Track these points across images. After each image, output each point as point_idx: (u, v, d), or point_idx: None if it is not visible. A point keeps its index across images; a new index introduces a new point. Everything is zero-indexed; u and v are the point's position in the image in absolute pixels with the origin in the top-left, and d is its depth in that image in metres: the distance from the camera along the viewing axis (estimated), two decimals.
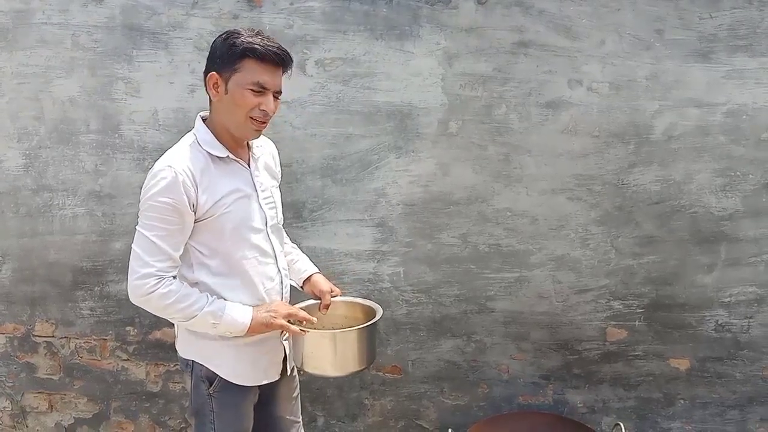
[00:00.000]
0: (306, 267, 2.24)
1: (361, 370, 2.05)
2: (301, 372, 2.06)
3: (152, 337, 3.01)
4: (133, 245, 1.85)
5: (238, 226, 1.91)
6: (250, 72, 1.81)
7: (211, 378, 1.96)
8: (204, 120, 1.95)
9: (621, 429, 2.38)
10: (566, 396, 2.83)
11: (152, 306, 1.84)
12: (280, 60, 1.83)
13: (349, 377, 2.27)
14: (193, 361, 1.98)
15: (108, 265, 2.95)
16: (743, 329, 2.69)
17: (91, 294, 2.99)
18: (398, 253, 2.83)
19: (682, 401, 2.77)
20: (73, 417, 3.10)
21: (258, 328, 1.90)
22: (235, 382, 1.96)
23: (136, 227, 1.87)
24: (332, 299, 2.14)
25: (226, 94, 1.84)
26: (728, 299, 2.67)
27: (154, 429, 3.09)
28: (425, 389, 2.92)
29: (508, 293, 2.80)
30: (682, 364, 2.75)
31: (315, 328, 1.99)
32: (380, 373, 2.96)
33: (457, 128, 2.70)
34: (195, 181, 1.83)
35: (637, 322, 2.74)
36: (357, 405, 2.98)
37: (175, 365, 3.02)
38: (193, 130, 1.94)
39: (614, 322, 2.76)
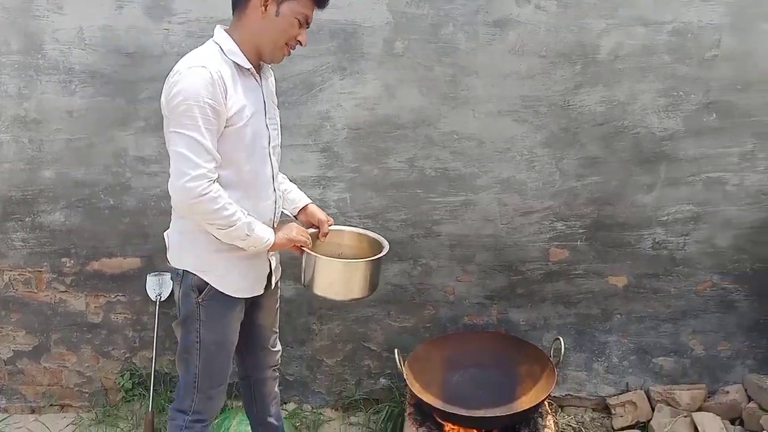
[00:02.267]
0: (300, 197, 2.27)
1: (364, 298, 2.16)
2: (307, 291, 2.14)
3: (90, 269, 2.91)
4: (175, 148, 1.82)
5: (253, 139, 1.95)
6: (304, 4, 1.90)
7: (201, 287, 1.99)
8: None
9: (560, 343, 2.46)
10: (510, 315, 2.91)
11: (200, 209, 1.84)
12: (325, 2, 1.96)
13: (352, 303, 2.36)
14: (184, 270, 2.01)
15: (39, 194, 2.81)
16: (679, 246, 2.78)
17: (23, 225, 2.85)
18: (344, 179, 2.78)
19: (618, 316, 2.88)
20: (12, 350, 3.01)
21: (281, 242, 2.00)
22: (223, 291, 1.99)
23: (173, 129, 1.82)
24: (341, 229, 2.30)
25: (276, 16, 1.89)
26: (666, 218, 2.75)
27: (97, 360, 3.04)
28: (372, 313, 2.95)
29: (454, 217, 2.80)
30: (620, 281, 2.84)
31: (323, 255, 2.09)
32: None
33: (403, 48, 2.62)
34: (225, 85, 1.84)
35: (578, 242, 2.80)
36: (305, 330, 2.99)
37: (116, 296, 2.95)
38: (212, 39, 1.93)
39: (557, 243, 2.81)
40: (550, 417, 2.43)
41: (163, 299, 2.88)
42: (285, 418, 2.96)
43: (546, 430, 2.36)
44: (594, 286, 2.85)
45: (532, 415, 2.38)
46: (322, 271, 2.08)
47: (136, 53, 2.65)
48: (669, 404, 2.79)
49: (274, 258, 2.15)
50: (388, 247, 2.20)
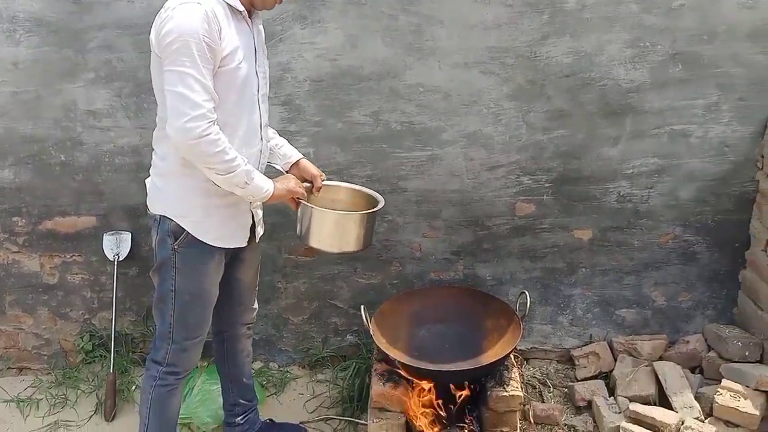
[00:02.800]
0: (291, 152, 2.25)
1: (357, 251, 2.20)
2: (303, 244, 2.22)
3: (43, 228, 2.81)
4: (172, 87, 1.77)
5: (244, 82, 1.92)
6: None
7: (177, 233, 1.97)
8: None
9: (526, 297, 2.47)
10: (476, 270, 2.90)
11: (199, 151, 1.81)
12: None
13: (346, 255, 2.35)
14: (161, 216, 1.99)
15: None
16: (643, 199, 2.79)
17: None
18: (307, 133, 2.70)
19: (583, 269, 2.90)
20: None
21: (280, 194, 2.02)
22: (200, 238, 1.97)
23: (168, 68, 1.77)
24: (335, 184, 2.32)
25: None
26: (631, 171, 2.74)
27: (55, 322, 2.96)
28: (339, 270, 2.91)
29: (420, 172, 2.76)
30: (585, 235, 2.85)
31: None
32: (293, 257, 2.91)
33: None
34: (219, 24, 1.81)
35: (545, 197, 2.79)
36: (270, 288, 2.94)
37: (71, 256, 2.86)
38: None
39: (523, 197, 2.79)
40: (515, 369, 2.44)
41: (121, 259, 2.79)
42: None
43: (512, 382, 2.37)
44: (559, 240, 2.85)
45: (497, 368, 2.39)
46: (317, 222, 2.11)
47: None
48: (631, 354, 2.84)
49: (259, 210, 2.14)
50: (383, 202, 2.25)
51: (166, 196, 1.99)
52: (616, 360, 2.84)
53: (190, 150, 1.81)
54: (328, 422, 2.74)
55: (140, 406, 2.21)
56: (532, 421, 2.63)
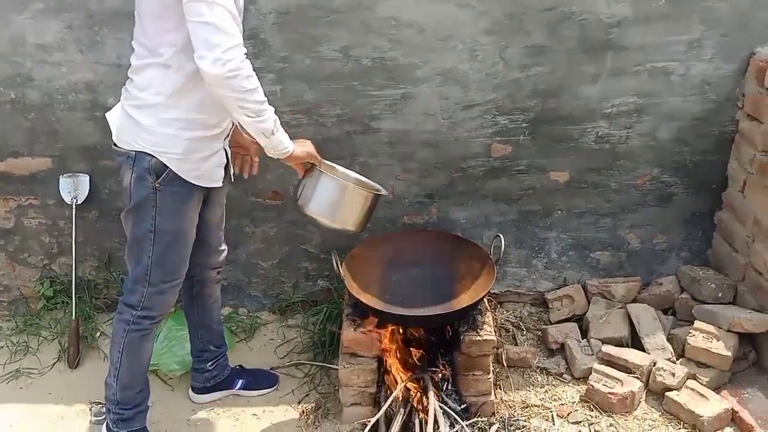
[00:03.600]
0: None
1: (351, 231, 2.18)
2: (300, 210, 2.14)
3: None
4: (201, 18, 1.67)
5: (239, 20, 1.80)
6: None
7: (159, 170, 1.90)
8: None
9: (500, 240, 2.41)
10: (450, 213, 2.83)
11: (233, 86, 1.72)
12: None
13: (337, 233, 2.24)
14: (137, 152, 1.89)
15: None
16: (621, 140, 2.72)
17: None
18: (273, 70, 2.56)
19: (559, 212, 2.84)
20: None
21: (299, 154, 1.99)
22: (183, 175, 1.91)
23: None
24: (333, 166, 2.26)
25: None
26: (610, 110, 2.66)
27: (13, 267, 2.85)
28: None
29: (393, 112, 2.64)
30: (562, 177, 2.78)
31: None
32: (260, 200, 2.81)
33: None
34: None
35: (521, 137, 2.70)
36: (238, 233, 2.85)
37: (27, 199, 2.72)
38: None
39: (499, 138, 2.70)
40: (489, 314, 2.40)
41: (79, 202, 2.67)
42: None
43: (485, 326, 2.33)
44: (536, 182, 2.78)
45: (471, 312, 2.35)
46: (324, 189, 2.10)
47: None
48: (604, 297, 2.82)
49: (229, 150, 2.07)
50: (385, 192, 2.26)
51: (146, 130, 1.88)
52: (589, 303, 2.82)
53: (226, 84, 1.71)
54: (299, 367, 2.70)
55: (111, 350, 2.15)
56: (505, 364, 2.62)
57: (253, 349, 2.81)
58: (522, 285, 2.94)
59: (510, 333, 2.80)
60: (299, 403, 2.51)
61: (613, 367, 2.46)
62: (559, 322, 2.80)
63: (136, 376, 2.18)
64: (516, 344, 2.73)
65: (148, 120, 1.89)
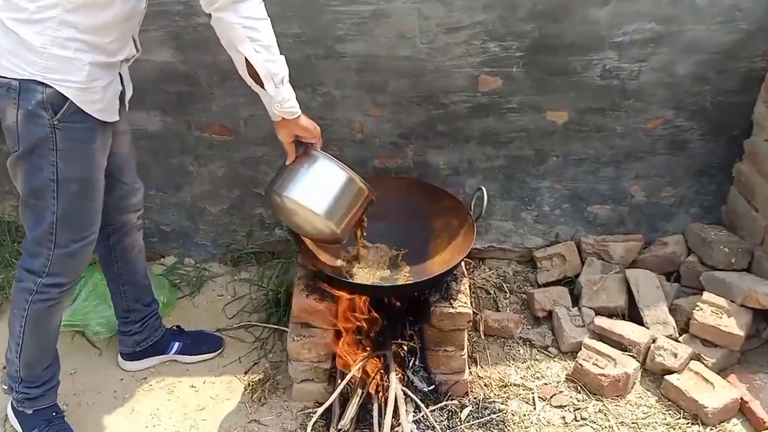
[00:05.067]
0: None
1: (329, 237, 1.83)
2: (277, 198, 1.78)
3: None
4: None
5: None
6: None
7: (57, 103, 1.54)
8: None
9: (482, 193, 2.02)
10: (428, 157, 2.43)
11: (243, 10, 1.51)
12: None
13: (312, 234, 1.89)
14: (22, 81, 1.52)
15: None
16: (632, 75, 2.29)
17: None
18: None
19: (554, 158, 2.45)
20: None
21: (305, 124, 1.72)
22: (86, 109, 1.58)
23: None
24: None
25: None
26: (621, 38, 2.22)
27: None
28: (262, 153, 2.42)
29: (362, 32, 2.19)
30: (560, 117, 2.37)
31: None
32: (205, 135, 2.40)
33: None
34: None
35: (514, 69, 2.27)
36: (180, 172, 2.45)
37: None
38: None
39: (488, 69, 2.27)
40: (465, 281, 2.05)
41: None
42: (161, 274, 2.51)
43: (460, 296, 1.98)
44: (529, 122, 2.37)
45: (444, 279, 2.00)
46: (322, 176, 1.75)
47: None
48: (601, 258, 2.47)
49: (125, 75, 1.74)
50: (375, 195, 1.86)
51: (36, 51, 1.50)
52: (583, 264, 2.47)
53: (236, 8, 1.49)
54: (249, 330, 2.37)
55: (11, 322, 1.82)
56: (482, 333, 2.29)
57: (198, 307, 2.47)
58: (507, 240, 2.58)
59: (491, 296, 2.46)
60: (245, 373, 2.19)
61: (606, 343, 2.14)
62: (547, 284, 2.46)
63: (43, 352, 1.84)
64: (497, 309, 2.40)
65: (39, 39, 1.50)
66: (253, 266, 2.59)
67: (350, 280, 1.94)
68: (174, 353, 2.21)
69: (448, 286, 2.01)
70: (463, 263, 2.06)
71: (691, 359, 2.08)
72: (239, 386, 2.14)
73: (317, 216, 1.74)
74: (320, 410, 1.86)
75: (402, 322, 2.07)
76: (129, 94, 1.78)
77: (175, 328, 2.26)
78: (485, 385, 2.13)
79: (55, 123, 1.56)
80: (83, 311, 2.21)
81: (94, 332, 2.21)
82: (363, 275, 2.02)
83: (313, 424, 1.88)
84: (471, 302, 2.03)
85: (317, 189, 1.75)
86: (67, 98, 1.55)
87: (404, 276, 2.05)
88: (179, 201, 2.50)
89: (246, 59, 1.57)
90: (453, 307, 1.95)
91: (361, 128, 2.37)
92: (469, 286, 2.17)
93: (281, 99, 1.62)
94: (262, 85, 1.60)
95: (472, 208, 2.07)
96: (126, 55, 1.67)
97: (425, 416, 1.91)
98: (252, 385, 2.14)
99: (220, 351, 2.25)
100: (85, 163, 1.65)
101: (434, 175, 2.45)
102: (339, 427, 1.87)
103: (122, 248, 1.99)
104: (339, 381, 1.96)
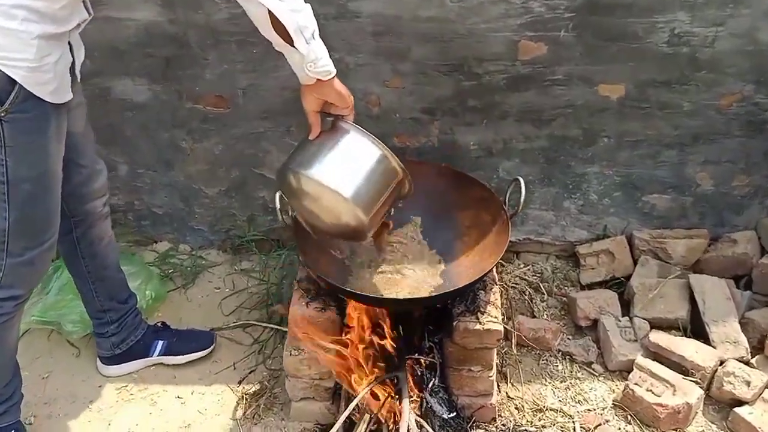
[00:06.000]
0: None
1: (354, 230, 1.48)
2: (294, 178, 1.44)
3: None
4: None
5: None
6: None
7: (4, 90, 1.29)
8: None
9: (520, 185, 1.67)
10: (456, 136, 2.08)
11: None
12: None
13: (332, 228, 1.54)
14: None
15: None
16: (706, 42, 1.90)
17: None
18: None
19: (606, 140, 2.08)
20: None
21: (339, 87, 1.40)
22: (37, 93, 1.32)
23: None
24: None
25: None
26: None
27: None
28: (264, 128, 2.10)
29: None
30: (615, 92, 1.99)
31: None
32: (199, 107, 2.08)
33: None
34: None
35: (562, 33, 1.89)
36: (171, 148, 2.15)
37: None
38: None
39: (531, 33, 1.90)
40: (496, 289, 1.71)
41: None
42: (151, 262, 2.24)
43: (489, 308, 1.66)
44: (578, 97, 2.00)
45: (471, 288, 1.67)
46: (352, 152, 1.44)
47: None
48: (657, 257, 2.12)
49: (75, 41, 1.45)
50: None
51: None
52: (636, 263, 2.12)
53: None
54: (247, 330, 2.08)
55: None
56: (515, 342, 1.97)
57: (191, 301, 2.19)
58: (547, 233, 2.23)
59: (526, 297, 2.13)
60: (240, 383, 1.92)
61: (664, 364, 1.80)
62: (592, 286, 2.12)
63: (1, 369, 1.58)
64: (532, 314, 2.07)
65: None
66: (255, 255, 2.29)
67: (358, 292, 1.62)
68: (158, 354, 1.94)
69: (475, 295, 1.68)
70: (494, 268, 1.72)
71: (767, 388, 1.73)
72: (232, 399, 1.87)
73: (343, 200, 1.40)
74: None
75: (420, 332, 1.76)
76: (80, 61, 1.49)
77: (159, 324, 1.98)
78: (516, 408, 1.82)
79: (2, 115, 1.29)
80: (55, 307, 1.95)
81: (67, 331, 1.95)
82: (378, 280, 1.71)
83: None
84: (502, 311, 1.70)
85: (345, 168, 1.43)
86: (15, 82, 1.28)
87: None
88: (171, 181, 2.21)
89: (270, 12, 1.25)
90: (480, 323, 1.63)
91: (378, 101, 2.02)
92: (501, 292, 1.84)
93: (314, 57, 1.33)
94: (291, 42, 1.30)
95: (507, 201, 1.73)
96: (78, 21, 1.38)
97: None
98: (246, 399, 1.86)
99: (210, 348, 1.98)
100: (39, 158, 1.39)
101: (463, 157, 2.10)
102: None
103: (88, 242, 1.72)
104: (343, 402, 1.67)
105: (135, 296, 1.91)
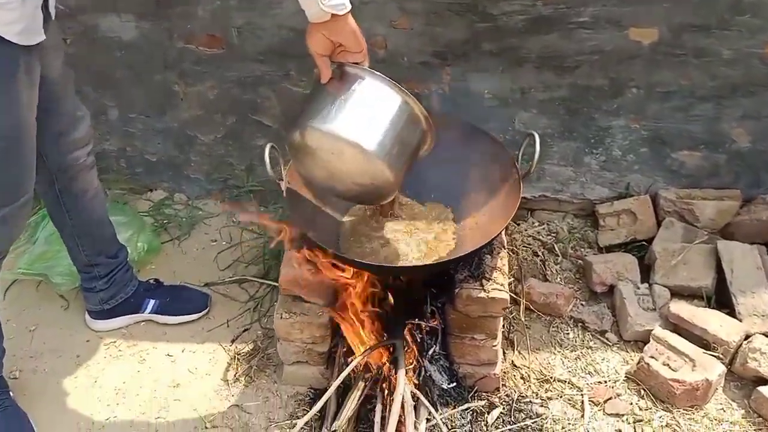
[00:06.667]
0: None
1: (380, 182, 1.32)
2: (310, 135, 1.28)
3: None
4: None
5: None
6: None
7: None
8: None
9: (534, 141, 1.51)
10: (469, 83, 1.91)
11: None
12: None
13: (355, 190, 1.39)
14: None
15: None
16: None
17: None
18: None
19: (635, 90, 1.89)
20: None
21: (354, 26, 1.23)
22: (4, 35, 1.20)
23: None
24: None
25: None
26: None
27: None
28: (262, 71, 1.95)
29: None
30: (647, 36, 1.80)
31: None
32: (192, 47, 1.93)
33: None
34: None
35: None
36: (163, 92, 2.02)
37: None
38: None
39: None
40: (503, 254, 1.58)
41: None
42: (145, 212, 2.14)
43: (495, 274, 1.53)
44: (605, 42, 1.81)
45: (477, 254, 1.54)
46: (367, 100, 1.27)
47: None
48: (683, 219, 1.96)
49: None
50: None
51: None
52: (659, 225, 1.96)
53: None
54: (243, 286, 1.99)
55: None
56: (523, 308, 1.84)
57: (186, 254, 2.10)
58: (565, 189, 2.08)
59: (538, 258, 2.00)
60: (233, 342, 1.83)
61: (684, 336, 1.67)
62: (610, 249, 1.98)
63: None
64: (545, 277, 1.94)
65: None
66: (253, 207, 2.17)
67: (353, 258, 1.49)
68: (149, 313, 1.85)
69: (480, 260, 1.55)
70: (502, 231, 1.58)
71: None
72: (223, 358, 1.79)
73: (368, 156, 1.26)
74: (312, 411, 1.47)
75: (421, 295, 1.64)
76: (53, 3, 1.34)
77: (151, 281, 1.89)
78: (522, 378, 1.70)
79: None
80: (42, 258, 1.87)
81: (55, 283, 1.86)
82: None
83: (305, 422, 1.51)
84: (512, 273, 1.57)
85: (367, 119, 1.28)
86: None
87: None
88: (165, 127, 2.08)
89: None
90: (485, 290, 1.50)
91: (384, 44, 1.86)
92: (510, 252, 1.71)
93: None
94: None
95: (520, 158, 1.57)
96: None
97: (444, 420, 1.51)
98: (238, 359, 1.78)
99: (204, 312, 1.89)
100: (8, 109, 1.28)
101: (476, 107, 1.94)
102: (333, 428, 1.50)
103: (72, 195, 1.61)
104: (337, 369, 1.58)
105: (125, 250, 1.81)
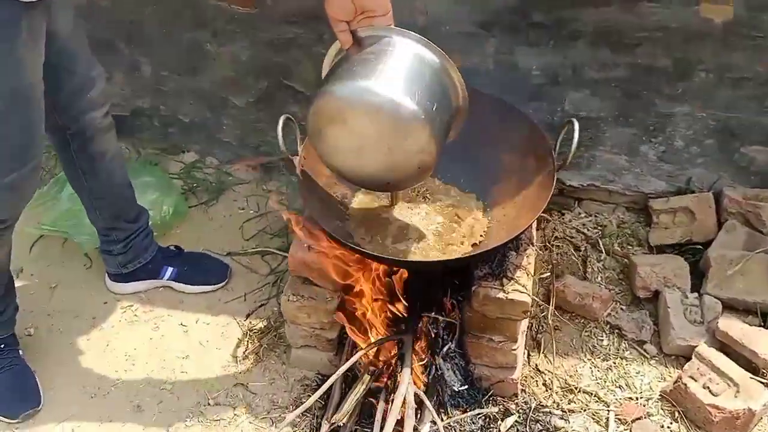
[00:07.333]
0: None
1: (418, 162, 1.21)
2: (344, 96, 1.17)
3: None
4: None
5: None
6: None
7: None
8: None
9: (573, 128, 1.35)
10: (517, 57, 1.74)
11: None
12: None
13: (384, 164, 1.27)
14: None
15: None
16: None
17: None
18: None
19: (702, 74, 1.68)
20: None
21: None
22: None
23: None
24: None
25: None
26: None
27: None
28: (294, 34, 1.84)
29: None
30: (721, 14, 1.58)
31: None
32: (223, 4, 1.84)
33: None
34: None
35: None
36: (195, 51, 1.96)
37: None
38: None
39: None
40: (531, 251, 1.44)
41: None
42: (175, 174, 2.10)
43: (518, 274, 1.39)
44: (671, 18, 1.60)
45: (501, 251, 1.40)
46: (402, 64, 1.17)
47: None
48: (748, 222, 1.75)
49: None
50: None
51: None
52: (720, 227, 1.76)
53: None
54: (265, 258, 1.92)
55: None
56: (552, 307, 1.70)
57: (213, 220, 2.04)
58: (617, 180, 1.89)
59: (580, 254, 1.84)
60: (247, 317, 1.77)
61: (730, 357, 1.50)
62: (662, 248, 1.80)
63: None
64: (584, 275, 1.78)
65: None
66: (284, 176, 2.09)
67: (367, 250, 1.38)
68: (168, 279, 1.82)
69: (504, 256, 1.41)
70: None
71: None
72: (235, 333, 1.74)
73: (412, 114, 1.13)
74: (310, 401, 1.40)
75: (440, 287, 1.52)
76: None
77: (172, 248, 1.85)
78: (544, 384, 1.58)
79: None
80: (66, 216, 1.85)
81: (78, 242, 1.85)
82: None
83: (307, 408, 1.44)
84: (549, 267, 1.44)
85: (404, 75, 1.16)
86: None
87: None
88: (196, 87, 2.01)
89: None
90: (504, 290, 1.37)
91: (424, 10, 1.71)
92: (544, 247, 1.56)
93: None
94: None
95: (558, 146, 1.41)
96: None
97: (451, 425, 1.42)
98: (250, 335, 1.72)
99: (224, 284, 1.84)
100: (12, 69, 1.23)
101: (523, 84, 1.77)
102: (332, 420, 1.42)
103: (88, 157, 1.57)
104: (345, 357, 1.50)
105: (146, 214, 1.77)
